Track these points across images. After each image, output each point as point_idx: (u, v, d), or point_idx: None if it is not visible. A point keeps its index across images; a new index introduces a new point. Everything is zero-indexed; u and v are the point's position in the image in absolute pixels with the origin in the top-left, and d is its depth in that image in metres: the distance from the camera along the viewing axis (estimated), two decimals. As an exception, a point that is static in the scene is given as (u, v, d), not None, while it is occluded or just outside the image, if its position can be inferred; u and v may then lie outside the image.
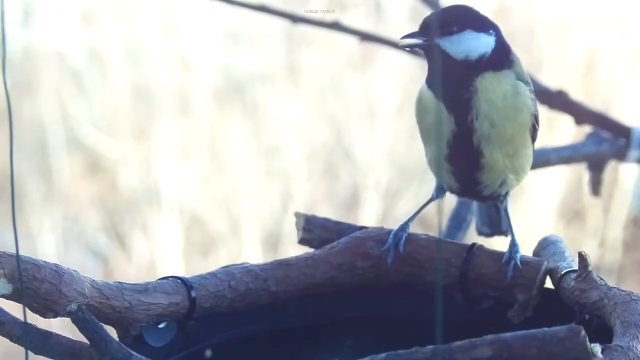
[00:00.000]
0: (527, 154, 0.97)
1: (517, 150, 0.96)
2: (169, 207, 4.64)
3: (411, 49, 0.96)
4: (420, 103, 0.97)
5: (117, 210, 4.75)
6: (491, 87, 0.94)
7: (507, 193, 0.99)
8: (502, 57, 0.95)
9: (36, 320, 0.85)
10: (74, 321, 0.81)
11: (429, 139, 0.98)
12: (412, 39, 0.95)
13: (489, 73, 0.94)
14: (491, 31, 0.96)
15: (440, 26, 0.95)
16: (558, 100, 1.48)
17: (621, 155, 1.55)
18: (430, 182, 1.03)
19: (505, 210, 1.00)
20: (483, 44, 0.95)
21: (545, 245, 0.99)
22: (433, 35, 0.93)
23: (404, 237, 0.98)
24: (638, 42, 4.45)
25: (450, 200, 1.35)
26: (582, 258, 0.91)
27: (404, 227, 0.98)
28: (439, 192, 1.01)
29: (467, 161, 0.96)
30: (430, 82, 0.96)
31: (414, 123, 0.99)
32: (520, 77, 0.96)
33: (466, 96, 0.93)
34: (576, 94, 1.57)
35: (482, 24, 0.96)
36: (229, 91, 4.88)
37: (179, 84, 4.81)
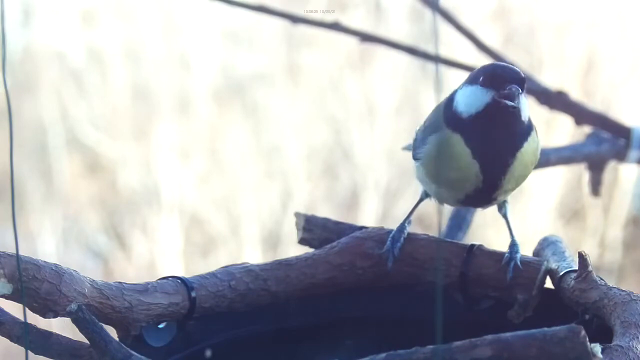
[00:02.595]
0: None
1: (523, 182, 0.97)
2: (169, 207, 4.64)
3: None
4: (448, 158, 0.93)
5: (117, 210, 4.75)
6: (528, 151, 0.93)
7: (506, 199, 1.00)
8: (530, 118, 0.93)
9: (36, 320, 0.85)
10: (74, 321, 0.81)
11: (441, 183, 0.95)
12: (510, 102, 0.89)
13: (530, 135, 0.93)
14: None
15: (521, 84, 0.90)
16: (558, 101, 1.48)
17: (621, 156, 1.55)
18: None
19: (505, 215, 1.00)
20: (527, 104, 0.93)
21: (546, 246, 0.99)
22: (516, 96, 0.90)
23: (401, 239, 0.98)
24: (638, 42, 4.45)
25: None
26: (582, 258, 0.91)
27: (401, 228, 0.98)
28: (427, 195, 1.01)
29: (478, 204, 0.98)
30: (472, 140, 0.91)
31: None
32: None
33: (510, 162, 0.92)
34: (576, 94, 1.57)
35: None
36: (229, 91, 4.88)
37: (179, 84, 4.81)
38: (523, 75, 0.92)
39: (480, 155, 0.91)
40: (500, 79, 0.90)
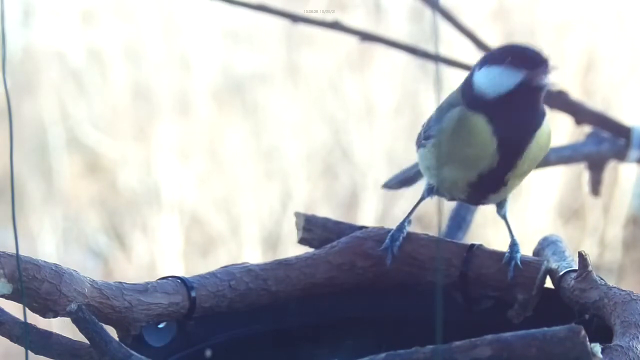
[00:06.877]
0: None
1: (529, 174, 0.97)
2: (169, 207, 4.64)
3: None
4: (466, 134, 0.92)
5: (117, 210, 4.75)
6: (544, 132, 0.94)
7: (506, 199, 1.00)
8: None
9: (36, 320, 0.85)
10: (74, 321, 0.81)
11: (456, 164, 0.94)
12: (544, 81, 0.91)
13: (545, 118, 0.94)
14: None
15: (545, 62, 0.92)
16: (558, 100, 1.48)
17: (621, 155, 1.55)
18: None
19: (504, 216, 1.00)
20: None
21: (546, 245, 0.99)
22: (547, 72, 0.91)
23: (400, 238, 0.97)
24: (638, 42, 4.45)
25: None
26: (582, 258, 0.91)
27: (401, 227, 0.98)
28: (429, 193, 1.00)
29: (488, 187, 0.96)
30: (496, 119, 0.92)
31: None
32: None
33: (529, 140, 0.92)
34: (576, 94, 1.57)
35: None
36: (229, 91, 4.88)
37: (179, 84, 4.81)
38: (546, 55, 0.93)
39: (501, 134, 0.92)
40: (531, 59, 0.92)
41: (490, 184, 0.95)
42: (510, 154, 0.93)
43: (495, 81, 0.93)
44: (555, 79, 0.93)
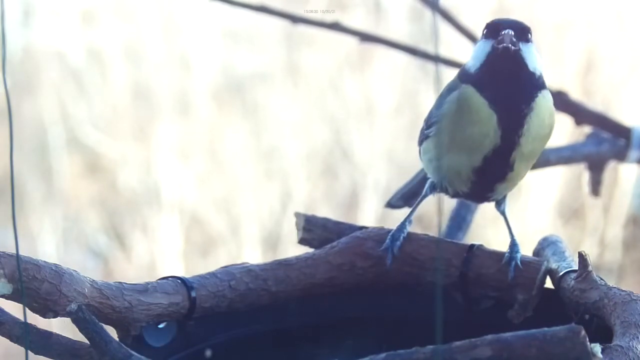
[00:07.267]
0: None
1: (534, 162, 0.97)
2: (169, 207, 4.64)
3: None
4: (466, 112, 0.93)
5: (117, 210, 4.75)
6: (543, 105, 0.94)
7: (505, 195, 1.00)
8: (542, 76, 0.96)
9: (36, 320, 0.85)
10: (74, 321, 0.81)
11: (460, 148, 0.94)
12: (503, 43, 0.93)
13: (543, 91, 0.94)
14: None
15: (520, 31, 0.94)
16: (558, 101, 1.48)
17: (621, 156, 1.55)
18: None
19: (503, 212, 1.00)
20: (540, 61, 0.95)
21: (546, 245, 0.99)
22: (517, 40, 0.93)
23: (401, 238, 0.97)
24: (638, 42, 4.45)
25: (450, 200, 1.35)
26: (582, 258, 0.91)
27: (401, 227, 0.98)
28: (432, 190, 1.00)
29: (494, 174, 0.96)
30: (485, 90, 0.93)
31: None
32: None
33: (525, 111, 0.93)
34: (576, 94, 1.57)
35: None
36: (229, 91, 4.88)
37: (179, 84, 4.81)
38: (524, 24, 0.95)
39: (496, 104, 0.92)
40: (497, 28, 0.94)
41: (496, 169, 0.94)
42: (511, 127, 0.92)
43: (474, 55, 0.95)
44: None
